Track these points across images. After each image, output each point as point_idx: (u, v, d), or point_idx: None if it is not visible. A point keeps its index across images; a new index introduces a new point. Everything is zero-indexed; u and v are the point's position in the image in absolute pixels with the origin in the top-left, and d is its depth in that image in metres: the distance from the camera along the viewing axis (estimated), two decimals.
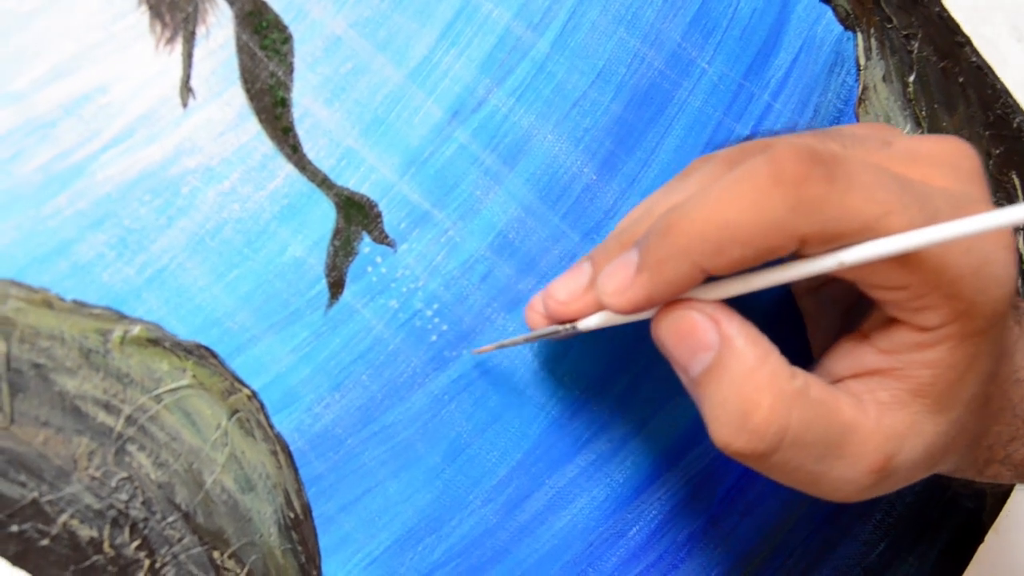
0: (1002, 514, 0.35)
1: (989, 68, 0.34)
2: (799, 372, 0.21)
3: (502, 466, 0.28)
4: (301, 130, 0.26)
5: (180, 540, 0.25)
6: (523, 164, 0.28)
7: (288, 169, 0.26)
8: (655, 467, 0.30)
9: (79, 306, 0.24)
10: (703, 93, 0.30)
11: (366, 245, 0.27)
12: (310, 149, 0.26)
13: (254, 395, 0.26)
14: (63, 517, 0.24)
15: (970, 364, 0.21)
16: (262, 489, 0.26)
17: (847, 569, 0.32)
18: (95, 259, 0.25)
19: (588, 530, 0.29)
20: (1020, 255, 0.34)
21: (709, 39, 0.30)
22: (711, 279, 0.21)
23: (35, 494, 0.24)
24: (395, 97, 0.27)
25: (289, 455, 0.26)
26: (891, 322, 0.22)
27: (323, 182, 0.27)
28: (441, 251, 0.28)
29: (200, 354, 0.25)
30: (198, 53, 0.26)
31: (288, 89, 0.26)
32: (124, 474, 0.24)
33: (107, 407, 0.24)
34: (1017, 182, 0.34)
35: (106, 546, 0.24)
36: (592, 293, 0.24)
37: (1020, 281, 0.34)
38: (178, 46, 0.25)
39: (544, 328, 0.25)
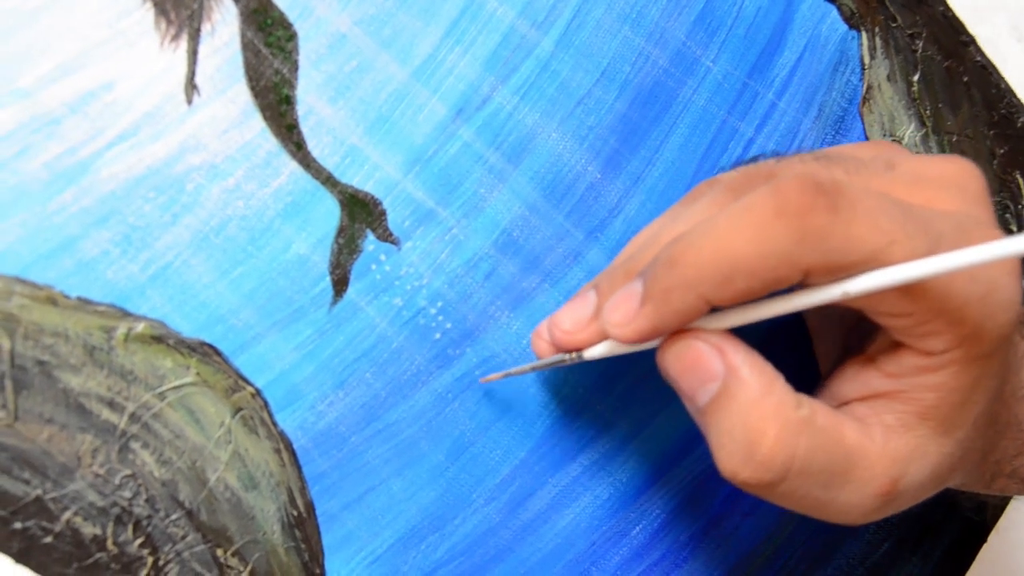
0: (1005, 514, 0.35)
1: (993, 67, 0.34)
2: (805, 400, 0.21)
3: (505, 464, 0.28)
4: (305, 127, 0.26)
5: (183, 538, 0.25)
6: (527, 162, 0.28)
7: (292, 166, 0.26)
8: (658, 466, 0.30)
9: (83, 303, 0.24)
10: (707, 92, 0.30)
11: (370, 243, 0.27)
12: (314, 147, 0.26)
13: (258, 393, 0.26)
14: (67, 514, 0.24)
15: (975, 386, 0.21)
16: (265, 487, 0.26)
17: (850, 569, 0.32)
18: (99, 256, 0.24)
19: (591, 529, 0.29)
20: None
21: (714, 38, 0.30)
22: (715, 309, 0.21)
23: (39, 491, 0.24)
24: (399, 95, 0.27)
25: (292, 453, 0.26)
26: (897, 346, 0.22)
27: (327, 180, 0.27)
28: (445, 249, 0.28)
29: (204, 351, 0.25)
30: (203, 50, 0.26)
31: (292, 86, 0.26)
32: (128, 471, 0.24)
33: (111, 404, 0.24)
34: (1021, 182, 0.34)
35: (109, 543, 0.24)
36: (597, 323, 0.23)
37: None
38: (183, 43, 0.25)
39: (550, 357, 0.25)
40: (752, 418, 0.20)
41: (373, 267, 0.27)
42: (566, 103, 0.29)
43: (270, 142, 0.26)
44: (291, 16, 0.26)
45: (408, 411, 0.27)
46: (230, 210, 0.26)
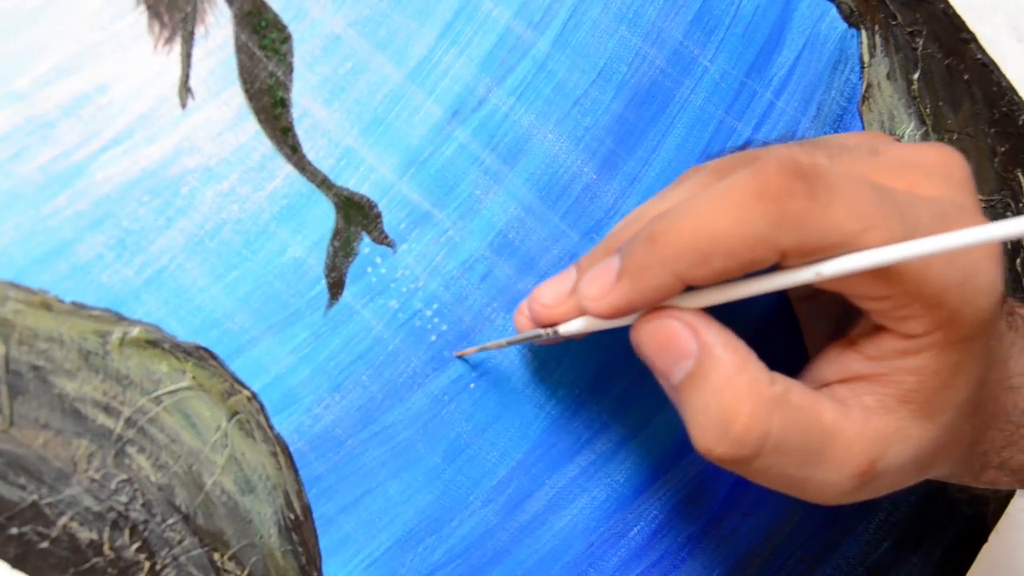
0: (1005, 514, 0.35)
1: (994, 65, 0.34)
2: (779, 378, 0.21)
3: (502, 466, 0.28)
4: (300, 130, 0.26)
5: (180, 542, 0.25)
6: (523, 163, 0.28)
7: (287, 169, 0.26)
8: (656, 467, 0.30)
9: (78, 308, 0.24)
10: (705, 92, 0.30)
11: (366, 245, 0.27)
12: (309, 149, 0.26)
13: (254, 396, 0.26)
14: (63, 519, 0.24)
15: (956, 371, 0.21)
16: (262, 490, 0.26)
17: (849, 569, 0.32)
18: (94, 260, 0.24)
19: (589, 530, 0.29)
20: (1015, 249, 0.34)
21: (711, 37, 0.30)
22: (690, 288, 0.21)
23: (35, 496, 0.24)
24: (395, 96, 0.27)
25: (289, 456, 0.26)
26: (877, 329, 0.22)
27: (322, 182, 0.26)
28: (441, 251, 0.27)
29: (199, 355, 0.25)
30: (197, 53, 0.25)
31: (287, 89, 0.26)
32: (124, 476, 0.24)
33: (106, 409, 0.24)
34: (1022, 179, 0.34)
35: (106, 548, 0.24)
36: (575, 298, 0.24)
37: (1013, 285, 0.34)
38: (177, 46, 0.25)
39: (526, 332, 0.25)
40: (726, 395, 0.20)
41: (369, 270, 0.27)
42: (562, 104, 0.29)
43: (265, 145, 0.26)
44: (285, 18, 0.26)
45: (404, 413, 0.27)
46: (225, 213, 0.26)
